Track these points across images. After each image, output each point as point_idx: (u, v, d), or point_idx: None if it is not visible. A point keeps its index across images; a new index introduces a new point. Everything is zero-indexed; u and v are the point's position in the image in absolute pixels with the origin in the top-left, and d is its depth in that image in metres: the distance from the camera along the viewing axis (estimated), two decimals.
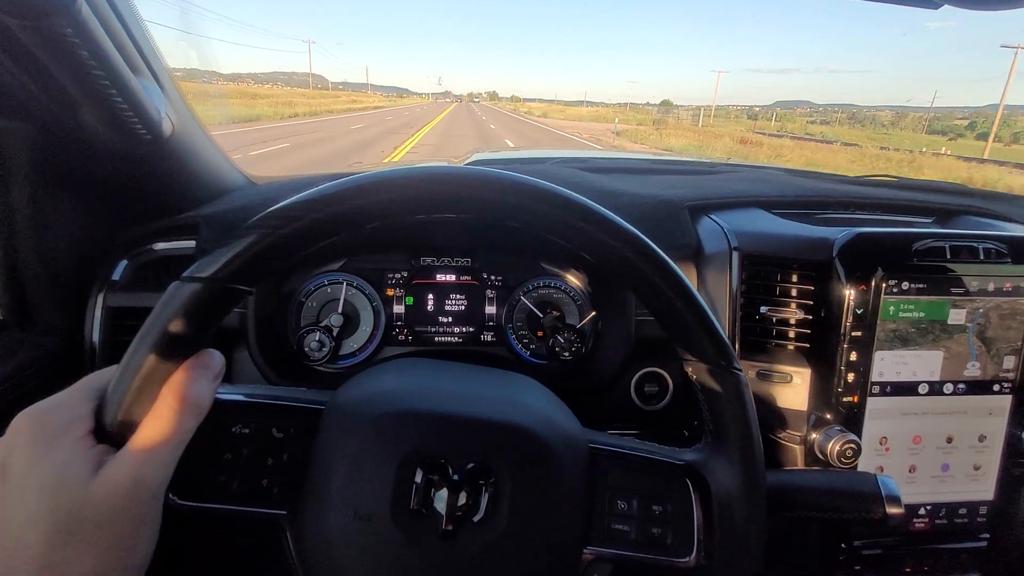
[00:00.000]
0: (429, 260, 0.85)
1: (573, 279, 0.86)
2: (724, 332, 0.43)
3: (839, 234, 0.70)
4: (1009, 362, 0.72)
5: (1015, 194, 1.40)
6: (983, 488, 0.74)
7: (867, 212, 0.88)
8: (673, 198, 0.83)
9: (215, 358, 0.38)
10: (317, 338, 0.79)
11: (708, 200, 0.82)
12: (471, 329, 0.86)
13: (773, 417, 0.72)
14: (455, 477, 0.39)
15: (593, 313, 0.85)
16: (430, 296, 0.86)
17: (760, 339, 0.74)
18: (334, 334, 0.80)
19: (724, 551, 0.42)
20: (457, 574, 0.38)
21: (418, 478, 0.39)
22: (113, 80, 0.47)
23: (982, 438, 0.73)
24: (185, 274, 0.35)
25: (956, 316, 0.70)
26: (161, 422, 0.34)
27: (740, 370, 0.43)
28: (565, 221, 0.40)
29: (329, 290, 0.82)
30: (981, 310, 0.70)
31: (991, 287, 0.70)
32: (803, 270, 0.72)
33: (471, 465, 0.40)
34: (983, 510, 0.75)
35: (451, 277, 0.86)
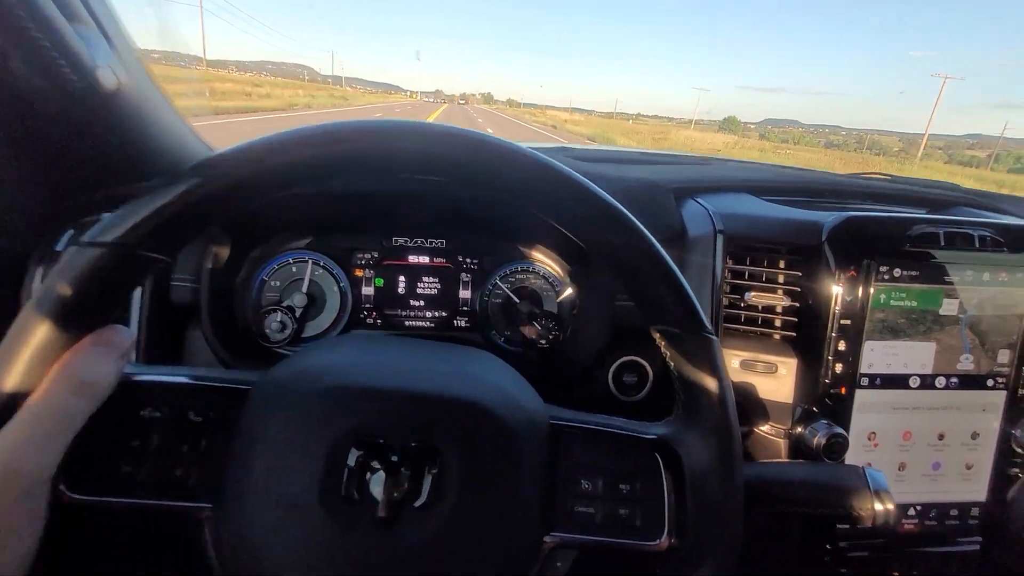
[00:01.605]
0: (401, 240, 0.81)
1: (552, 264, 0.82)
2: (697, 301, 0.40)
3: (829, 218, 0.66)
4: (1004, 356, 0.69)
5: (1010, 194, 1.39)
6: (975, 488, 0.71)
7: (860, 201, 0.85)
8: (658, 180, 0.79)
9: (121, 334, 0.34)
10: (279, 319, 0.74)
11: (694, 183, 0.79)
12: (444, 314, 0.82)
13: (757, 409, 0.68)
14: (394, 459, 0.35)
15: (572, 300, 0.81)
16: (401, 278, 0.81)
17: (745, 327, 0.70)
18: (297, 315, 0.75)
19: (698, 531, 0.38)
20: (397, 565, 0.34)
21: (351, 461, 0.34)
22: (33, 15, 0.42)
23: (975, 435, 0.70)
24: (85, 238, 0.31)
25: (949, 306, 0.67)
26: (45, 403, 0.29)
27: (712, 334, 0.40)
28: (520, 175, 0.36)
29: (294, 269, 0.78)
30: (975, 301, 0.67)
31: (986, 277, 0.67)
32: (791, 255, 0.68)
33: (412, 445, 0.36)
34: (975, 512, 0.71)
35: (424, 259, 0.82)
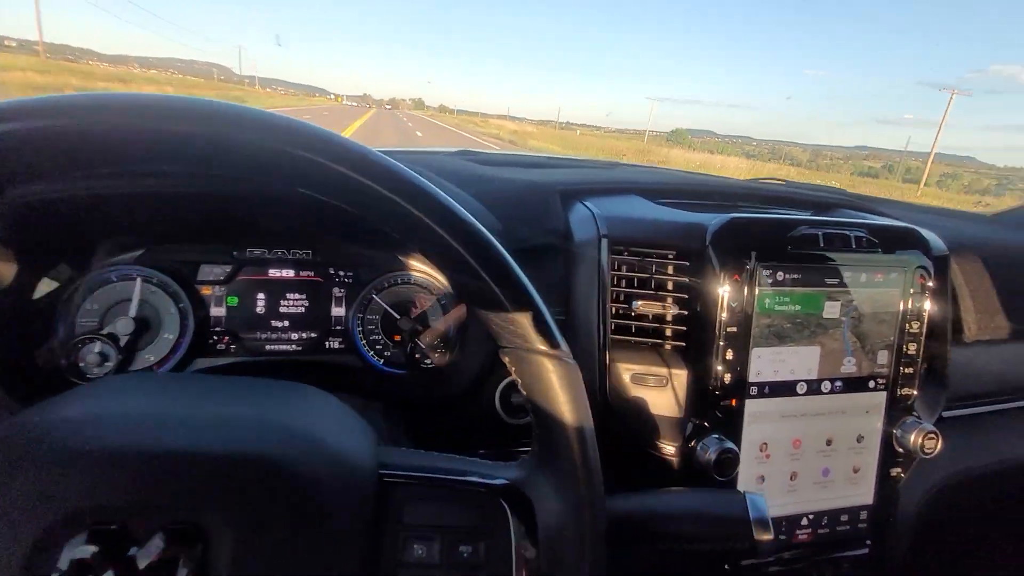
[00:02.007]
0: (258, 252, 0.70)
1: (435, 274, 0.74)
2: (552, 320, 0.34)
3: (713, 219, 0.64)
4: (883, 357, 0.69)
5: (893, 199, 1.48)
6: (863, 492, 0.71)
7: (749, 203, 0.84)
8: (545, 182, 0.74)
9: None
10: (97, 349, 0.61)
11: (581, 185, 0.74)
12: (314, 335, 0.72)
13: (649, 427, 0.64)
14: (132, 551, 0.26)
15: (459, 313, 0.74)
16: (261, 296, 0.71)
17: (636, 337, 0.66)
18: (121, 344, 0.62)
19: None
20: None
21: (65, 563, 0.25)
22: None
23: (860, 438, 0.70)
24: None
25: (831, 309, 0.66)
26: None
27: (570, 358, 0.34)
28: (334, 175, 0.29)
29: (119, 287, 0.65)
30: (855, 303, 0.66)
31: (863, 278, 0.67)
32: (678, 259, 0.65)
33: (165, 527, 0.27)
34: (863, 515, 0.71)
35: (288, 272, 0.71)
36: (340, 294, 0.73)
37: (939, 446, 0.68)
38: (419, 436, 0.70)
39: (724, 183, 0.92)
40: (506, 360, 0.36)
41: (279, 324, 0.71)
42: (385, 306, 0.73)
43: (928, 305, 0.70)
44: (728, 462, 0.60)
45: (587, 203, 0.70)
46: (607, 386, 0.63)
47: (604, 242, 0.64)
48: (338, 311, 0.72)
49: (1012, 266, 0.90)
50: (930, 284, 0.70)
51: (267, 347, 0.71)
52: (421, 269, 0.74)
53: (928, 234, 0.80)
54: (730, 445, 0.60)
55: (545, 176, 0.85)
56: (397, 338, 0.74)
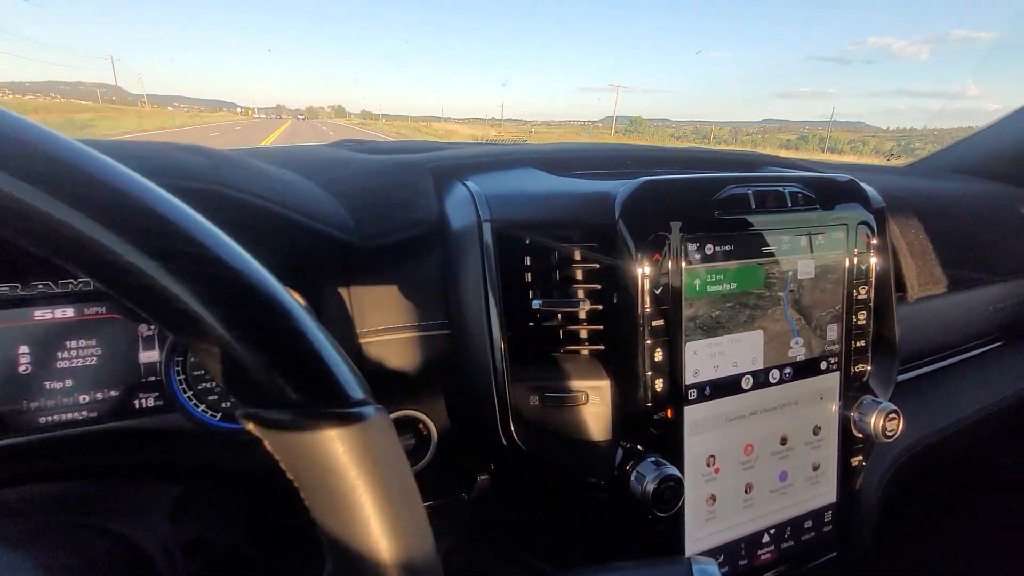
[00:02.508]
0: (17, 286, 0.50)
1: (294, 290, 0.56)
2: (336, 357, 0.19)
3: (622, 186, 0.50)
4: (832, 332, 0.59)
5: (814, 159, 1.43)
6: (825, 491, 0.61)
7: (668, 168, 0.72)
8: (415, 160, 0.58)
9: None
10: None
11: (461, 160, 0.59)
12: (114, 393, 0.52)
13: (572, 459, 0.50)
14: None
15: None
16: (24, 349, 0.50)
17: (540, 348, 0.52)
18: None
19: None
20: None
21: None
22: None
23: (817, 430, 0.59)
24: None
25: (771, 284, 0.54)
26: None
27: (367, 403, 0.22)
28: None
29: None
30: (796, 273, 0.55)
31: (803, 243, 0.56)
32: (585, 241, 0.51)
33: None
34: (828, 516, 0.61)
35: (66, 311, 0.51)
36: (149, 332, 0.53)
37: (900, 426, 0.59)
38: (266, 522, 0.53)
39: (641, 149, 0.79)
40: (253, 429, 0.21)
41: (57, 386, 0.51)
42: None
43: (874, 266, 0.61)
44: (669, 492, 0.47)
45: (468, 182, 0.55)
46: (509, 416, 0.48)
47: (487, 227, 0.49)
48: (148, 355, 0.53)
49: (938, 213, 0.85)
50: (874, 242, 0.60)
51: (41, 420, 0.50)
52: None
53: (865, 185, 0.72)
54: (671, 470, 0.48)
55: (428, 158, 0.68)
56: None
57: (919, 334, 0.83)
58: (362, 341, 0.50)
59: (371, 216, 0.51)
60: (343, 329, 0.50)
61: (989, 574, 1.00)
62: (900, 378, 0.83)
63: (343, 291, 0.50)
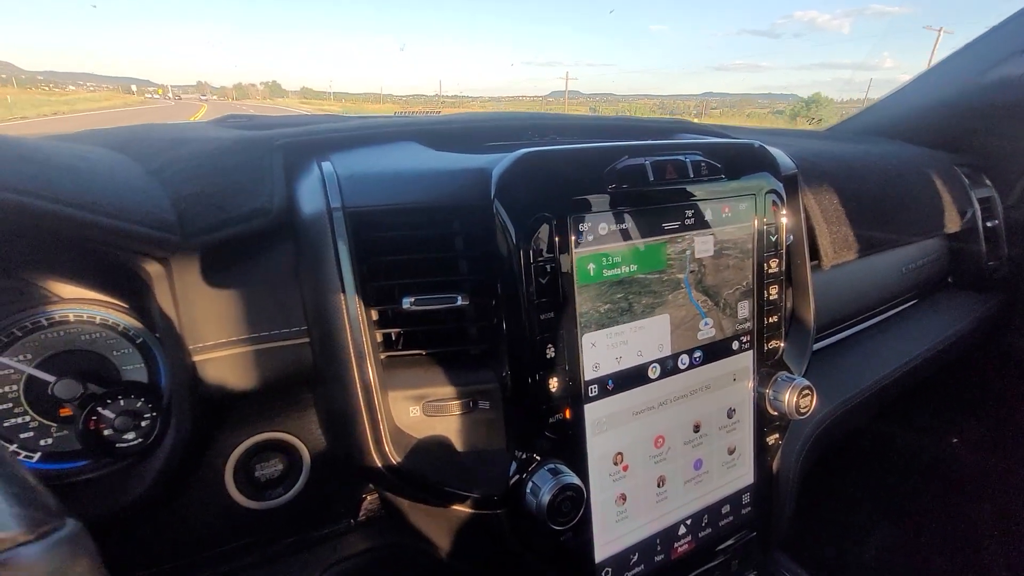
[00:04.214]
0: None
1: (113, 299, 0.47)
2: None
3: (499, 161, 0.43)
4: (744, 309, 0.55)
5: (736, 125, 1.41)
6: (742, 474, 0.58)
7: (567, 138, 0.66)
8: (261, 136, 0.49)
9: None
10: None
11: (319, 135, 0.50)
12: None
13: (459, 475, 0.44)
14: None
15: (174, 352, 0.47)
16: None
17: (416, 351, 0.45)
18: None
19: None
20: None
21: None
22: None
23: (731, 412, 0.56)
24: None
25: (674, 262, 0.50)
26: None
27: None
28: None
29: None
30: (703, 249, 0.51)
31: (708, 215, 0.51)
32: (460, 226, 0.44)
33: None
34: (746, 498, 0.59)
35: None
36: None
37: (814, 403, 0.57)
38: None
39: (547, 117, 0.73)
40: None
41: None
42: (24, 368, 0.44)
43: (785, 237, 0.58)
44: (569, 504, 0.42)
45: (324, 162, 0.46)
46: (382, 431, 0.42)
47: (339, 216, 0.41)
48: None
49: (852, 177, 0.83)
50: (784, 211, 0.57)
51: None
52: (90, 297, 0.46)
53: (774, 150, 0.68)
54: (569, 478, 0.43)
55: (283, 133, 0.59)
56: (65, 412, 0.46)
57: (835, 300, 0.83)
58: (197, 359, 0.42)
59: (200, 208, 0.42)
60: (171, 346, 0.42)
61: (907, 535, 1.05)
62: (817, 346, 0.82)
63: (167, 300, 0.42)
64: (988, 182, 1.11)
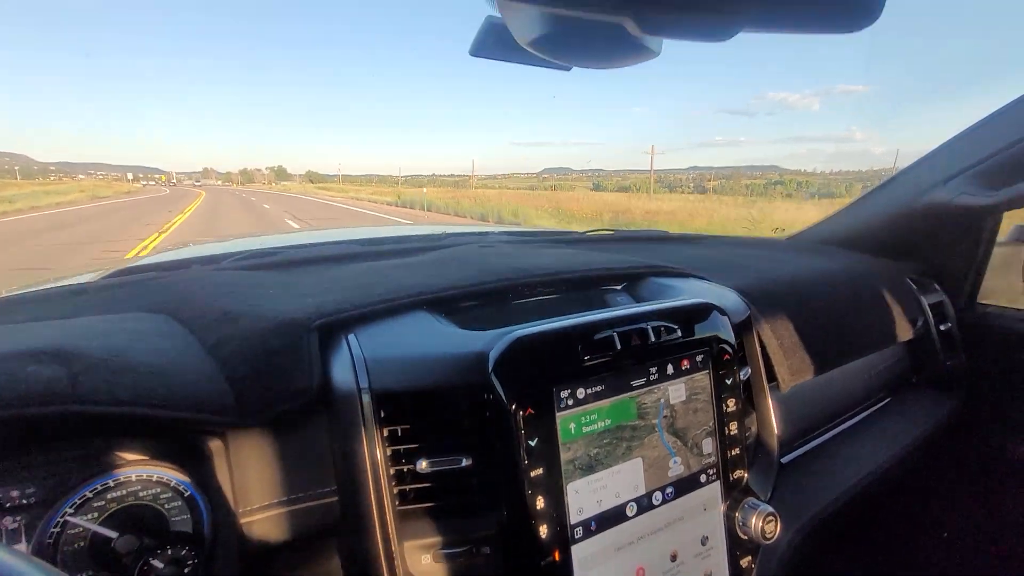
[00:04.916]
0: None
1: (165, 463, 0.55)
2: None
3: (494, 344, 0.54)
4: (708, 446, 0.64)
5: (711, 235, 1.56)
6: None
7: (553, 290, 0.77)
8: (300, 316, 0.59)
9: None
10: None
11: (346, 312, 0.61)
12: None
13: None
14: None
15: (208, 506, 0.55)
16: None
17: (426, 504, 0.53)
18: None
19: None
20: None
21: None
22: None
23: (704, 540, 0.63)
24: None
25: (643, 413, 0.59)
26: None
27: None
28: None
29: None
30: (662, 401, 0.60)
31: (670, 369, 0.61)
32: (463, 398, 0.54)
33: None
34: None
35: None
36: (14, 525, 0.50)
37: (778, 528, 0.64)
38: None
39: (524, 265, 0.80)
40: None
41: None
42: (93, 527, 0.52)
43: (741, 376, 0.67)
44: None
45: (352, 338, 0.57)
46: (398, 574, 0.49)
47: (367, 397, 0.51)
48: (15, 549, 0.50)
49: (807, 299, 0.94)
50: (738, 357, 0.67)
51: None
52: (138, 460, 0.55)
53: (728, 296, 0.79)
54: None
55: (326, 288, 0.70)
56: (120, 562, 0.53)
57: (800, 415, 0.91)
58: (245, 521, 0.50)
59: (255, 390, 0.51)
60: (224, 511, 0.50)
61: None
62: (789, 457, 0.89)
63: (223, 470, 0.50)
64: (937, 287, 1.23)
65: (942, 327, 1.17)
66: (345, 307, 0.62)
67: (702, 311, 0.66)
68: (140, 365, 0.49)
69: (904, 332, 1.07)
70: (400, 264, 0.87)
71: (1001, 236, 1.34)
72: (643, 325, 0.60)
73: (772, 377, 0.81)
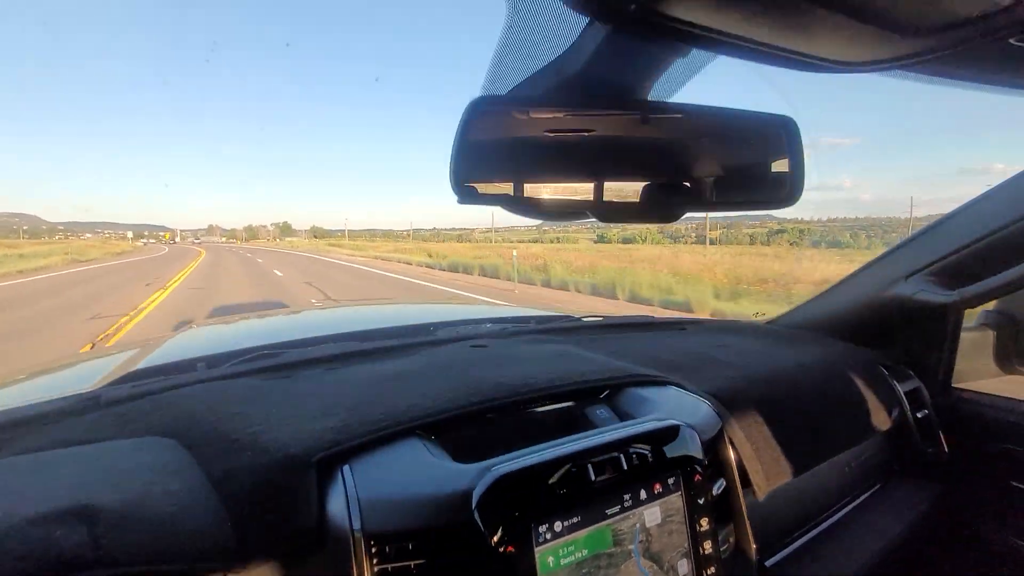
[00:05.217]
0: None
1: None
2: None
3: (478, 480, 0.59)
4: (683, 567, 0.67)
5: (699, 318, 1.62)
6: None
7: (537, 405, 0.82)
8: (299, 452, 0.64)
9: None
10: None
11: (345, 443, 0.65)
12: None
13: None
14: None
15: None
16: None
17: None
18: None
19: None
20: None
21: None
22: None
23: None
24: None
25: (619, 540, 0.63)
26: None
27: None
28: None
29: None
30: (637, 526, 0.64)
31: (643, 494, 0.65)
32: (447, 533, 0.58)
33: None
34: None
35: None
36: None
37: None
38: None
39: (514, 381, 0.84)
40: None
41: None
42: None
43: (712, 494, 0.71)
44: None
45: (347, 471, 0.61)
46: None
47: (360, 536, 0.55)
48: None
49: (782, 399, 0.99)
50: (709, 473, 0.71)
51: None
52: None
53: (701, 409, 0.84)
54: None
55: (318, 419, 0.74)
56: None
57: (784, 511, 0.94)
58: None
59: (258, 530, 0.55)
60: None
61: None
62: (773, 560, 0.91)
63: None
64: (912, 373, 1.27)
65: (919, 414, 1.21)
66: (342, 438, 0.67)
67: (671, 434, 0.71)
68: (155, 517, 0.53)
69: (882, 423, 1.11)
70: (393, 374, 0.91)
71: (970, 321, 1.40)
72: (615, 454, 0.64)
73: (748, 482, 0.85)
